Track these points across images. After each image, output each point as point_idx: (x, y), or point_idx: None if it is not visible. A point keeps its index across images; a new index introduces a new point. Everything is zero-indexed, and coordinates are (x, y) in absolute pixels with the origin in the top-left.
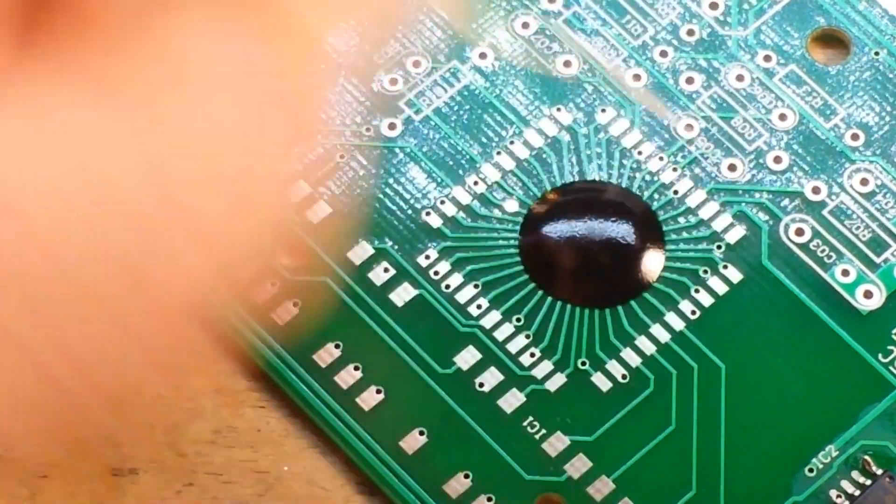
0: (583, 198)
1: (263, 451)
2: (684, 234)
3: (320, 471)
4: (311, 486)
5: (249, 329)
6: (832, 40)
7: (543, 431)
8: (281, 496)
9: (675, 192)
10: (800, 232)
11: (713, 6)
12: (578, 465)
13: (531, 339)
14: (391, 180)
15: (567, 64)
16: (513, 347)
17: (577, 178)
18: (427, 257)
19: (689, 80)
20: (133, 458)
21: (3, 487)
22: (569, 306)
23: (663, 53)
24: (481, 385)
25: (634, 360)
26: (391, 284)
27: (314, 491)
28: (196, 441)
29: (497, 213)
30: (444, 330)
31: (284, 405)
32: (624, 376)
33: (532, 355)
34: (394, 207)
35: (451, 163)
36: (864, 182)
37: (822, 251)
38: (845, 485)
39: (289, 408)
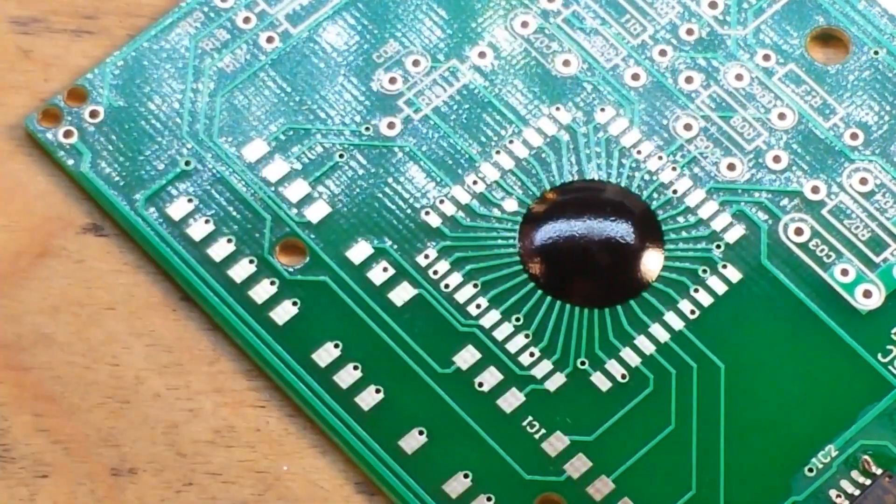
0: (582, 197)
1: (263, 451)
2: (683, 234)
3: (320, 470)
4: (310, 486)
5: (249, 329)
6: (831, 39)
7: (543, 431)
8: (280, 496)
9: (675, 192)
10: (799, 231)
11: (712, 5)
12: (578, 465)
13: (530, 338)
14: (390, 179)
15: (566, 63)
16: (512, 347)
17: (576, 178)
18: (426, 257)
19: (689, 80)
20: (132, 458)
21: (3, 487)
22: (568, 306)
23: (662, 52)
24: (481, 385)
25: (634, 359)
26: (390, 284)
27: (314, 490)
28: (195, 441)
29: (496, 212)
30: (443, 329)
31: (284, 405)
32: (623, 376)
33: (531, 355)
34: (393, 207)
35: (450, 162)
36: (864, 181)
37: (822, 251)
38: (845, 484)
39: (288, 407)
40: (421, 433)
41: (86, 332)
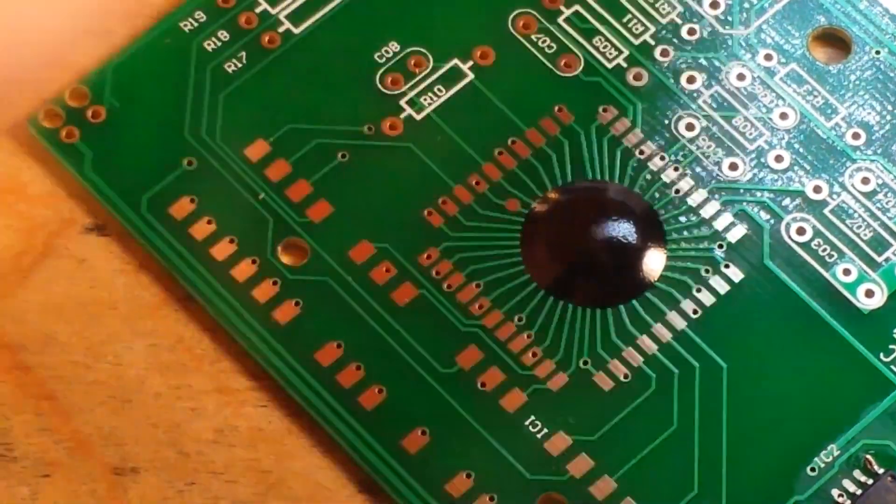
0: (584, 197)
1: (265, 451)
2: (686, 234)
3: (322, 470)
4: (312, 485)
5: (251, 329)
6: (833, 39)
7: (545, 431)
8: (282, 495)
9: (677, 192)
10: (801, 231)
11: (714, 5)
12: (580, 465)
13: (533, 338)
14: (392, 180)
15: (568, 64)
16: (514, 347)
17: (578, 178)
18: (428, 257)
19: (690, 80)
20: (135, 458)
21: (4, 487)
22: (570, 306)
23: (664, 53)
24: (483, 384)
25: (636, 359)
26: (392, 284)
27: (316, 490)
28: (198, 440)
29: (498, 212)
30: (445, 329)
31: (286, 404)
32: (626, 375)
33: (534, 355)
34: (395, 207)
35: (452, 162)
36: (866, 181)
37: (824, 250)
38: (847, 484)
39: (290, 407)
40: (423, 433)
41: (88, 332)
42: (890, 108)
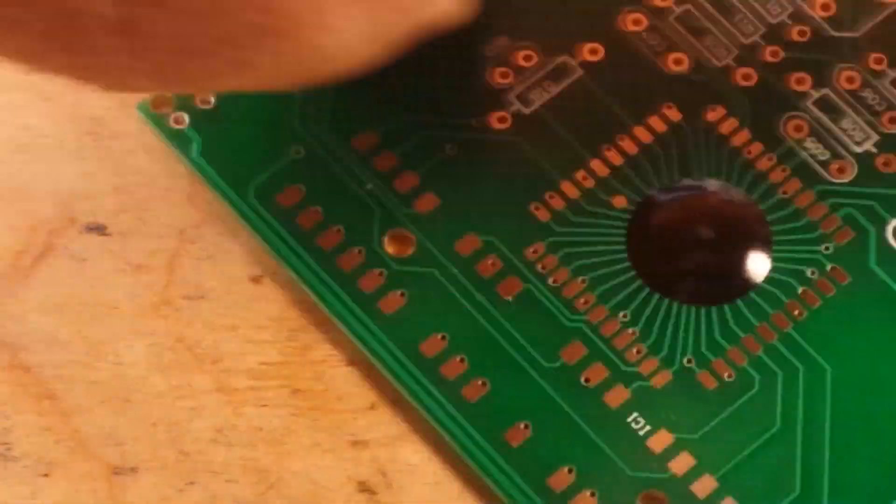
0: (690, 196)
1: (265, 450)
2: (793, 235)
3: (322, 470)
4: (312, 486)
5: (356, 319)
6: None
7: (648, 428)
8: (282, 495)
9: (784, 193)
10: None
11: (825, 7)
12: (682, 463)
13: (637, 335)
14: (499, 173)
15: (677, 62)
16: (619, 343)
17: (684, 176)
18: (534, 252)
19: (799, 81)
20: (135, 457)
21: (4, 486)
22: (675, 304)
23: (773, 53)
24: (587, 380)
25: (740, 359)
26: (498, 277)
27: (315, 490)
28: (197, 439)
29: (605, 208)
30: (550, 324)
31: (285, 404)
32: (729, 375)
33: (638, 351)
34: (502, 201)
35: (559, 157)
36: None
37: None
38: None
39: (289, 406)
40: (526, 427)
41: (88, 331)
42: None
